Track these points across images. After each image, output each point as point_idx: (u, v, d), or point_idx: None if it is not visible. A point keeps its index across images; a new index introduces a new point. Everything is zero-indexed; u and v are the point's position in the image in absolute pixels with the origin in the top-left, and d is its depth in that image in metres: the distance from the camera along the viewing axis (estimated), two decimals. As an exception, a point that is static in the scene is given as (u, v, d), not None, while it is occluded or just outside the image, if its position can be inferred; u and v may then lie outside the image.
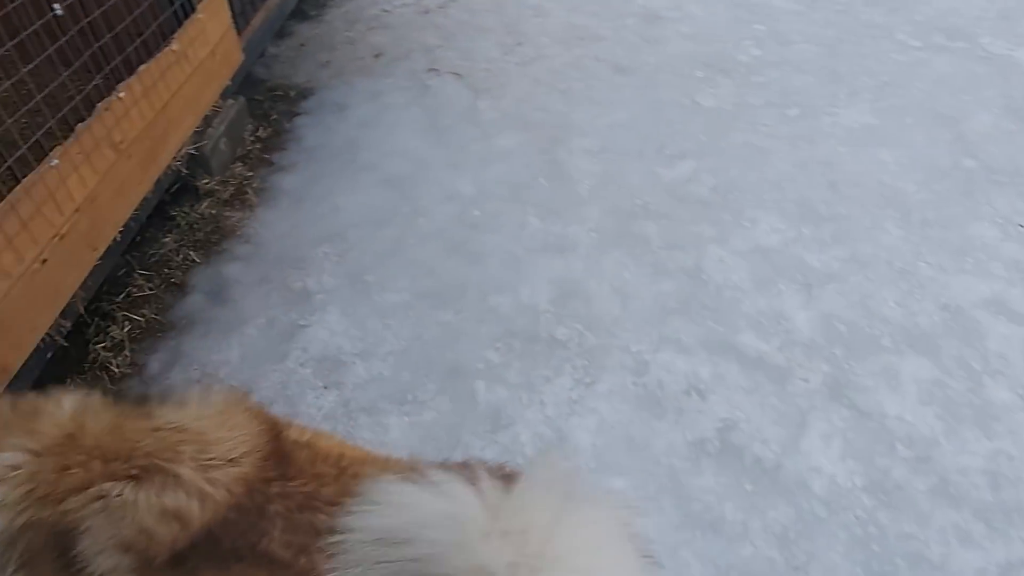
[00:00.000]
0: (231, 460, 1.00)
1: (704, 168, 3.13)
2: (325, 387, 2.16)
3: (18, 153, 1.95)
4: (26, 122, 2.05)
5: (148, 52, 2.58)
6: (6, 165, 1.90)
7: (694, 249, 2.70)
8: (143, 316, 2.46)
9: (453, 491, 0.76)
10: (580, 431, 2.03)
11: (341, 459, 1.06)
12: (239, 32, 3.36)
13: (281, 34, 4.24)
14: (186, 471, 0.96)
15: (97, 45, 2.30)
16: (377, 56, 4.04)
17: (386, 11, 4.53)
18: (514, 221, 2.84)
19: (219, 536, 0.95)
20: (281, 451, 1.04)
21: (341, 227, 2.82)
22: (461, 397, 2.14)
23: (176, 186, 2.90)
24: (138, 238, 2.67)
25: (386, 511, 0.77)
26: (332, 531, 0.83)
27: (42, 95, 2.05)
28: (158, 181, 2.66)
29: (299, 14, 4.46)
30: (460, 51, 4.07)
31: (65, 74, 2.15)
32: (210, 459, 0.99)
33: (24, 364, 1.96)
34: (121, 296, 2.52)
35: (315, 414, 2.09)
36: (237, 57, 3.32)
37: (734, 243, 2.73)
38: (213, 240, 2.80)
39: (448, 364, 2.24)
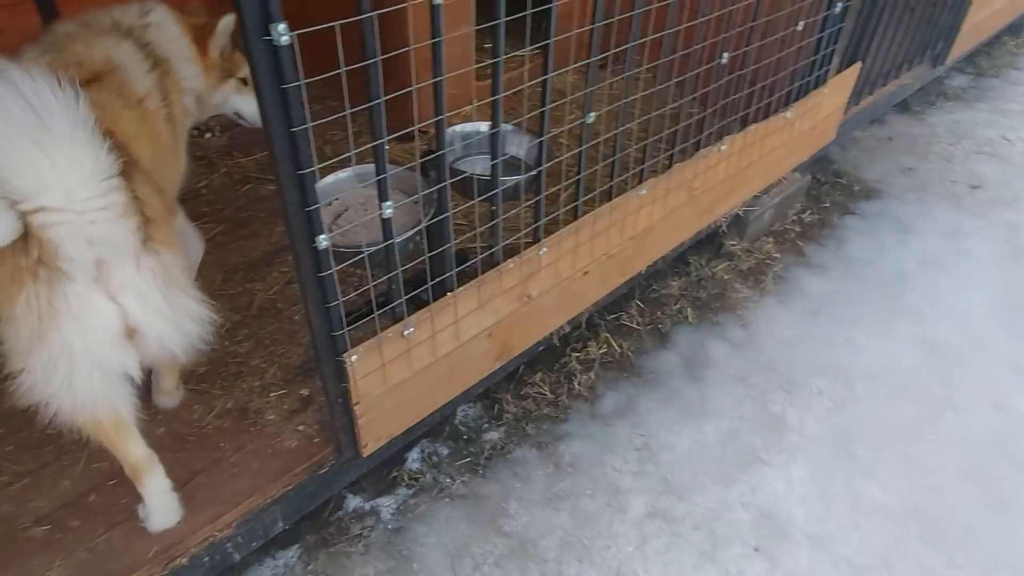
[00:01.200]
0: None
1: None
2: (756, 550, 1.85)
3: (620, 176, 2.01)
4: (641, 151, 2.09)
5: (766, 112, 2.48)
6: (605, 186, 1.97)
7: None
8: (620, 347, 2.44)
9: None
10: None
11: None
12: (844, 112, 3.09)
13: (873, 120, 3.85)
14: None
15: (720, 103, 2.26)
16: (974, 188, 3.38)
17: (1006, 139, 3.77)
18: (1079, 488, 2.07)
19: None
20: None
21: (850, 370, 2.40)
22: None
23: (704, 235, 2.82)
24: (654, 272, 2.66)
25: None
26: None
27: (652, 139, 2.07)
28: (699, 230, 2.60)
29: (902, 105, 3.99)
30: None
31: (694, 118, 2.15)
32: None
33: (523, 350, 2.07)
34: (612, 317, 2.55)
35: (729, 569, 1.80)
36: (830, 136, 3.07)
37: None
38: (712, 307, 2.65)
39: (911, 625, 1.72)
